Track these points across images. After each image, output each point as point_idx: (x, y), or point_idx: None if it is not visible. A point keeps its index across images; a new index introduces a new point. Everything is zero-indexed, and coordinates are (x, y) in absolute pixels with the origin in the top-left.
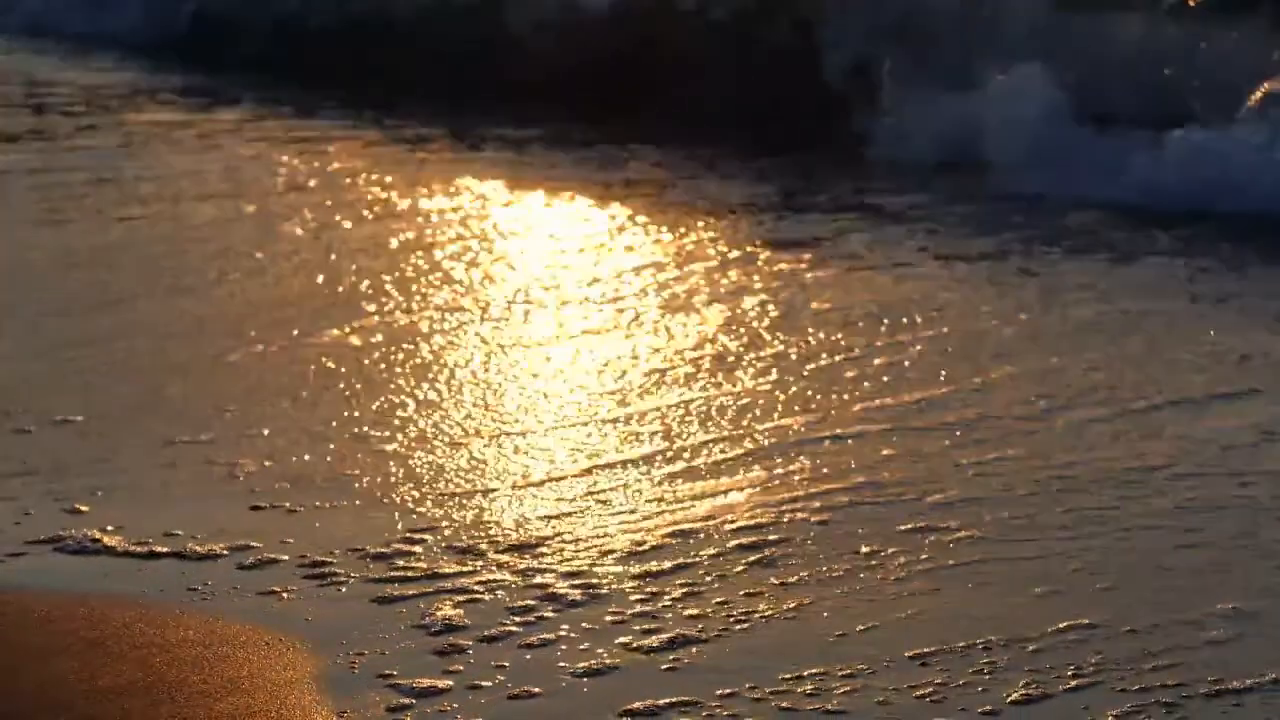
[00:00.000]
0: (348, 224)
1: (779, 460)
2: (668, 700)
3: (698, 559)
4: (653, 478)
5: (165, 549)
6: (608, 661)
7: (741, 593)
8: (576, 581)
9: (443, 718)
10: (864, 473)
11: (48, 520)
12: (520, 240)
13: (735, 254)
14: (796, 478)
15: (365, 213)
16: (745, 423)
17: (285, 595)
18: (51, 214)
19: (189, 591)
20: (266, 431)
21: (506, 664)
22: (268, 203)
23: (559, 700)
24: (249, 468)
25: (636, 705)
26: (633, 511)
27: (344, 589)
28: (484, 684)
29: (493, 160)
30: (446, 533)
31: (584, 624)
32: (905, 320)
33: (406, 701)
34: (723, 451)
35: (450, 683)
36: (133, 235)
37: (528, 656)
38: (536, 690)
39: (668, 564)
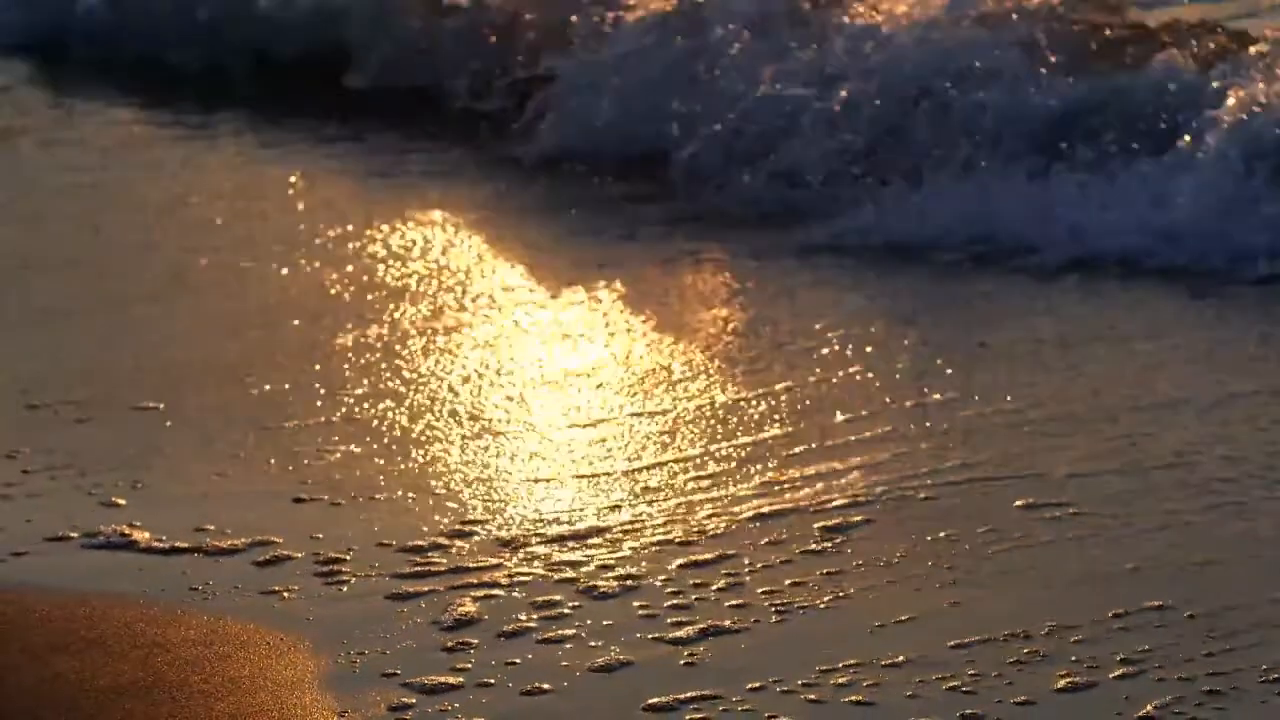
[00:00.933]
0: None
1: (837, 453)
2: (690, 694)
3: (743, 550)
4: (703, 471)
5: (186, 544)
6: (630, 656)
7: (788, 582)
8: (613, 574)
9: (446, 716)
10: (930, 462)
11: (83, 514)
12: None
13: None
14: (854, 470)
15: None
16: (801, 415)
17: (290, 593)
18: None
19: (191, 591)
20: (326, 423)
21: (518, 660)
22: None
23: (573, 696)
24: (302, 460)
25: (657, 700)
26: (680, 504)
27: (357, 586)
28: (495, 681)
29: None
30: (491, 526)
31: (613, 618)
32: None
33: (409, 700)
34: (778, 443)
35: (459, 680)
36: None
37: (544, 652)
38: (548, 686)
39: (712, 554)
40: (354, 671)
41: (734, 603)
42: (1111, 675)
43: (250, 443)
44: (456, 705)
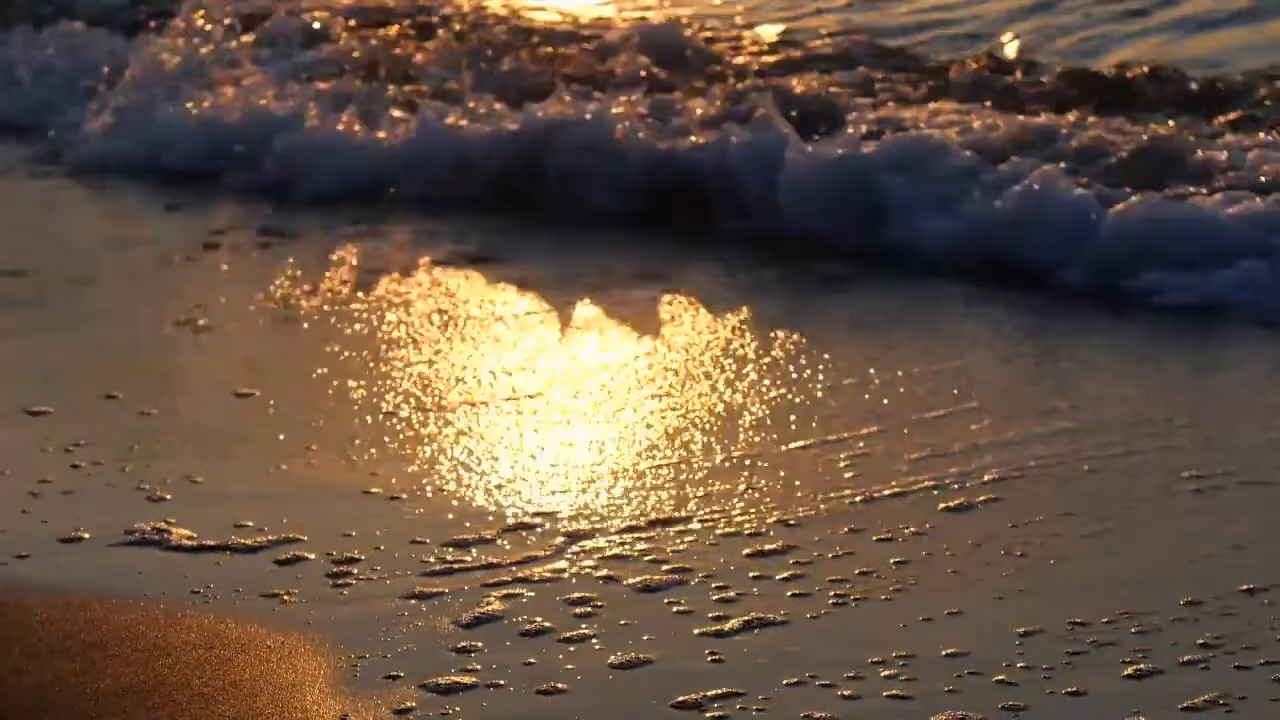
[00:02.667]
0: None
1: (925, 441)
2: (717, 691)
3: (813, 541)
4: (780, 462)
5: (214, 542)
6: (661, 653)
7: (856, 571)
8: (666, 567)
9: (449, 717)
10: (1019, 450)
11: (121, 510)
12: None
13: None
14: (938, 458)
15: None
16: (876, 408)
17: (299, 594)
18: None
19: (193, 594)
20: (405, 417)
21: (535, 660)
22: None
23: (592, 695)
24: (374, 453)
25: (685, 697)
26: (754, 495)
27: (371, 587)
28: (507, 681)
29: None
30: (549, 521)
31: (652, 613)
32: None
33: (411, 704)
34: (856, 434)
35: (471, 680)
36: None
37: (568, 650)
38: (563, 686)
39: (777, 544)
40: (356, 674)
41: (794, 592)
42: (1170, 666)
43: (325, 437)
44: (460, 707)
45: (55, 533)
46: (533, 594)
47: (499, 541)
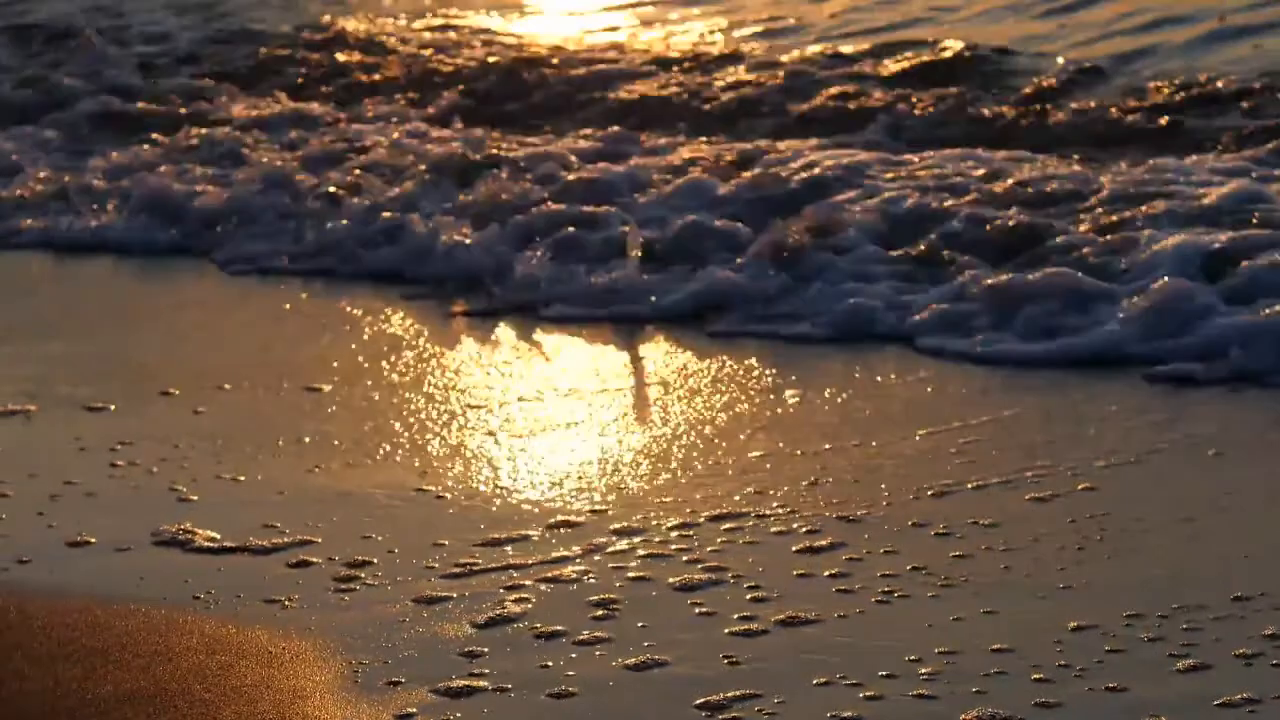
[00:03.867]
0: None
1: (990, 433)
2: (735, 693)
3: (863, 539)
4: (819, 464)
5: (233, 545)
6: (674, 655)
7: (908, 567)
8: (703, 566)
9: None
10: (1089, 447)
11: (146, 512)
12: None
13: None
14: (996, 451)
15: None
16: (933, 409)
17: (302, 598)
18: None
19: (194, 599)
20: (454, 415)
21: (550, 663)
22: None
23: (609, 698)
24: (427, 451)
25: (700, 700)
26: (808, 494)
27: (379, 592)
28: (515, 685)
29: None
30: (596, 518)
31: (672, 613)
32: None
33: (414, 709)
34: (908, 434)
35: (480, 684)
36: None
37: (583, 653)
38: (573, 690)
39: (825, 541)
40: (358, 679)
41: (838, 589)
42: (1218, 662)
43: (378, 435)
44: (463, 712)
45: (63, 537)
46: (554, 595)
47: (534, 541)
